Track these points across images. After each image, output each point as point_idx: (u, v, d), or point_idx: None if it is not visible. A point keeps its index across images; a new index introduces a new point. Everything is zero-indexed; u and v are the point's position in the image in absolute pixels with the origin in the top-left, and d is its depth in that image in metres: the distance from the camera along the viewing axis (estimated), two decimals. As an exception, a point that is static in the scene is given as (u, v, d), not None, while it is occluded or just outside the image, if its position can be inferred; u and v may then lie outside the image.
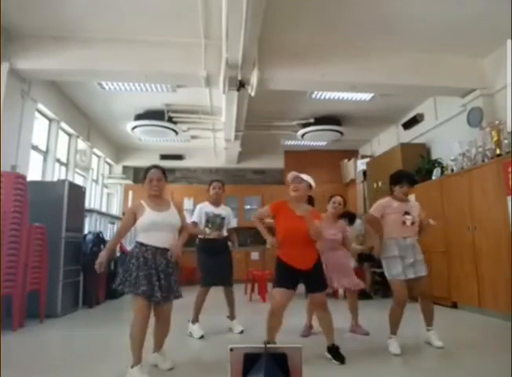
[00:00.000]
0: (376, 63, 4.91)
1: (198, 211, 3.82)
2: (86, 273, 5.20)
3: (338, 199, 3.81)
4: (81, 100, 6.34)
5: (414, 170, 5.95)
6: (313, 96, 6.10)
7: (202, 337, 3.46)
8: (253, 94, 4.87)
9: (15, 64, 4.40)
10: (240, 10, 3.28)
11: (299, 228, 2.73)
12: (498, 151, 4.30)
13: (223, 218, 3.82)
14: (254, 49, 4.19)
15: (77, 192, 5.13)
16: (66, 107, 6.19)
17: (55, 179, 5.84)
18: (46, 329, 3.97)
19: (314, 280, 2.80)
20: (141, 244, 2.57)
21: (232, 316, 3.79)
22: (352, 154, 8.92)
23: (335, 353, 2.76)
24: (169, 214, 2.68)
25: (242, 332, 3.63)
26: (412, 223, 3.09)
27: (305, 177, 2.87)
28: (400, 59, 4.96)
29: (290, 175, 2.90)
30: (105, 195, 8.74)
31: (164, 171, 2.77)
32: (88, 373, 2.63)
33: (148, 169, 2.74)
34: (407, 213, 3.09)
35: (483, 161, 4.50)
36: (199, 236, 3.82)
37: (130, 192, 8.53)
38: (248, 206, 9.17)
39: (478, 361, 2.79)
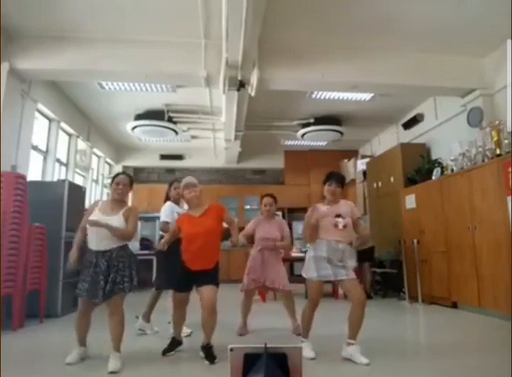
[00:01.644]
0: (376, 63, 4.91)
1: (169, 211, 3.69)
2: (86, 273, 5.20)
3: (269, 200, 3.79)
4: (81, 100, 6.35)
5: (414, 170, 5.97)
6: (313, 96, 6.10)
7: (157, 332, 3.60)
8: (253, 94, 4.87)
9: (15, 64, 4.40)
10: (240, 10, 3.28)
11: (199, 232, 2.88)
12: (498, 151, 4.30)
13: None
14: (254, 49, 4.19)
15: (77, 192, 5.13)
16: (66, 107, 6.19)
17: (55, 179, 5.85)
18: (46, 329, 3.97)
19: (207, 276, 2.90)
20: (88, 248, 2.76)
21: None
22: (352, 154, 8.92)
23: (208, 352, 2.79)
24: (113, 218, 2.73)
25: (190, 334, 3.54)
26: (344, 226, 2.89)
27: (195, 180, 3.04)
28: (400, 59, 4.96)
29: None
30: (105, 195, 8.74)
31: (131, 179, 2.96)
32: (88, 373, 2.64)
33: (116, 175, 2.95)
34: (339, 215, 2.90)
35: (483, 161, 4.50)
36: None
37: (130, 192, 8.52)
38: (248, 206, 9.17)
39: (478, 361, 2.79)
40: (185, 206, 3.85)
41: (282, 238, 3.72)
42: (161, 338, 3.44)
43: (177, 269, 2.97)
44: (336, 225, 2.88)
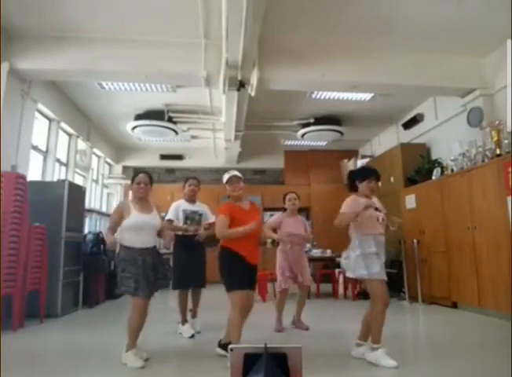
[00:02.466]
0: (376, 63, 4.91)
1: (174, 209, 3.78)
2: (86, 273, 5.21)
3: (293, 195, 3.99)
4: (81, 100, 6.34)
5: (414, 170, 5.97)
6: (313, 96, 6.10)
7: (192, 336, 3.52)
8: (253, 94, 4.87)
9: (15, 64, 4.40)
10: (240, 10, 3.28)
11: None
12: (498, 151, 4.30)
13: (200, 215, 3.83)
14: (254, 49, 4.19)
15: (77, 192, 5.14)
16: (66, 107, 6.19)
17: (55, 179, 5.84)
18: (46, 329, 3.97)
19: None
20: (126, 247, 2.80)
21: (194, 315, 3.84)
22: (352, 154, 8.91)
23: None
24: (151, 216, 2.91)
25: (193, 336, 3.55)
26: (383, 219, 2.91)
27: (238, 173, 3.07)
28: (401, 59, 4.96)
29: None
30: (105, 195, 8.74)
31: (151, 177, 3.05)
32: (88, 373, 2.63)
33: (135, 174, 3.03)
34: (377, 209, 2.91)
35: (483, 161, 4.50)
36: (177, 233, 3.74)
37: (130, 192, 8.52)
38: (248, 206, 9.15)
39: (478, 361, 2.79)
40: (198, 203, 3.91)
41: (305, 232, 3.95)
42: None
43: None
44: (378, 219, 2.87)
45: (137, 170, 9.54)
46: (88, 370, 2.68)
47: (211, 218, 3.78)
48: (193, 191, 3.86)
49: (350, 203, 2.92)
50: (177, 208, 3.78)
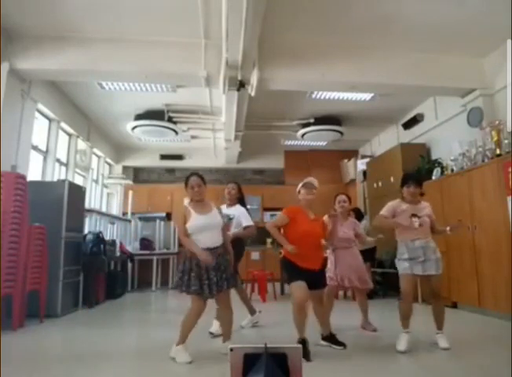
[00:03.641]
0: (376, 63, 4.91)
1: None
2: (86, 273, 5.20)
3: (343, 197, 3.86)
4: (81, 100, 6.35)
5: (414, 170, 5.96)
6: (313, 96, 6.10)
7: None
8: (253, 94, 4.87)
9: (15, 64, 4.39)
10: (240, 10, 3.28)
11: (313, 232, 3.03)
12: (498, 151, 4.30)
13: (231, 219, 3.79)
14: (254, 49, 4.19)
15: (77, 192, 5.13)
16: (66, 107, 6.19)
17: (55, 179, 5.84)
18: (46, 329, 3.97)
19: (319, 278, 3.03)
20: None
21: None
22: (352, 154, 8.92)
23: (334, 340, 3.02)
24: (213, 216, 2.96)
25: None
26: (420, 225, 3.07)
27: (316, 183, 3.16)
28: (400, 59, 4.96)
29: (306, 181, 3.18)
30: (105, 195, 8.74)
31: (203, 178, 3.05)
32: (88, 373, 2.63)
33: (187, 177, 3.04)
34: (414, 215, 3.09)
35: (483, 161, 4.50)
36: None
37: (130, 192, 8.54)
38: (248, 206, 9.10)
39: (478, 361, 2.79)
40: (237, 207, 3.93)
41: (357, 236, 3.78)
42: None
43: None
44: (413, 225, 3.08)
45: (136, 170, 9.61)
46: (88, 370, 2.67)
47: (245, 222, 3.79)
48: (231, 194, 3.91)
49: (388, 207, 3.26)
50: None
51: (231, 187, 3.92)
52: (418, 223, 3.07)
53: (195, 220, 2.87)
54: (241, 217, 3.87)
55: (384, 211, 3.24)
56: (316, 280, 2.97)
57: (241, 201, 3.98)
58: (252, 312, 3.89)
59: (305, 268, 2.92)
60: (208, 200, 3.06)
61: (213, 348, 2.97)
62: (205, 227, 2.86)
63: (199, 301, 2.81)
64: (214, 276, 2.79)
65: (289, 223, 3.04)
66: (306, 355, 2.67)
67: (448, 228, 3.20)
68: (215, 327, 3.53)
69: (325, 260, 3.33)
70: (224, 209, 3.79)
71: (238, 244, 3.65)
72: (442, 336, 3.05)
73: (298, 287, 2.86)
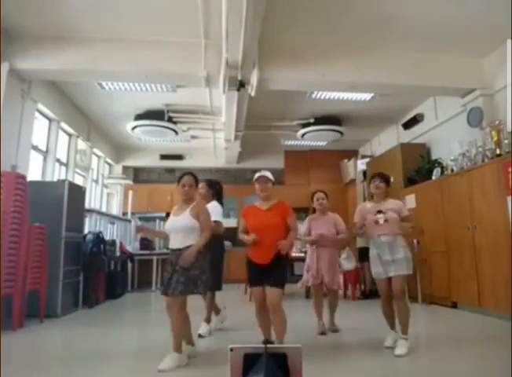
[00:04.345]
0: (376, 63, 4.91)
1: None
2: (86, 273, 5.20)
3: (321, 195, 3.83)
4: (81, 100, 6.35)
5: (414, 170, 5.96)
6: (313, 96, 6.10)
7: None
8: (253, 94, 4.87)
9: (15, 64, 4.39)
10: (240, 10, 3.28)
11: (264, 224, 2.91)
12: (498, 151, 4.30)
13: None
14: (254, 49, 4.19)
15: (77, 192, 5.13)
16: (66, 107, 6.19)
17: (55, 179, 5.84)
18: (46, 329, 3.97)
19: (271, 273, 2.84)
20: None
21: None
22: (352, 154, 8.91)
23: None
24: (180, 218, 2.88)
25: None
26: (386, 220, 3.07)
27: (268, 175, 3.03)
28: (400, 59, 4.96)
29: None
30: (105, 195, 8.74)
31: (196, 178, 3.02)
32: (88, 373, 2.63)
33: (181, 175, 3.00)
34: (379, 211, 3.11)
35: (483, 161, 4.50)
36: None
37: (130, 192, 8.53)
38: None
39: (478, 361, 2.79)
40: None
41: (337, 233, 3.75)
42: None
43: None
44: (377, 222, 3.10)
45: (136, 170, 9.61)
46: (88, 370, 2.67)
47: (217, 217, 3.71)
48: (200, 194, 3.86)
49: (356, 212, 3.30)
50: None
51: (200, 186, 3.82)
52: (383, 219, 3.07)
53: (168, 220, 2.96)
54: (213, 212, 3.86)
55: (355, 218, 3.30)
56: (268, 274, 2.83)
57: (218, 198, 3.92)
58: (208, 320, 3.73)
59: (258, 263, 2.88)
60: (195, 201, 2.99)
61: (212, 348, 2.97)
62: (170, 229, 2.89)
63: (167, 301, 2.79)
64: (177, 277, 2.75)
65: (247, 223, 3.01)
66: None
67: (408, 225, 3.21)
68: (203, 328, 3.57)
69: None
70: None
71: (214, 245, 3.53)
72: (403, 343, 2.93)
73: (256, 292, 2.89)
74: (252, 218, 2.99)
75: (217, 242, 3.62)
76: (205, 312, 3.72)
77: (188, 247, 2.77)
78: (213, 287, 3.61)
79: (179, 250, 2.79)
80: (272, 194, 3.02)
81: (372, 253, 3.15)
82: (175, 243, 2.85)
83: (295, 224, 2.98)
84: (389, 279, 3.06)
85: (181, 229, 2.83)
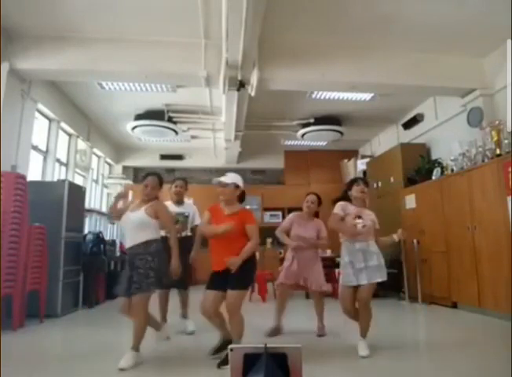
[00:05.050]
0: (376, 63, 4.91)
1: None
2: (86, 273, 5.21)
3: (313, 197, 3.78)
4: (81, 100, 6.34)
5: (414, 170, 5.97)
6: (313, 96, 6.10)
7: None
8: (253, 94, 4.87)
9: (15, 64, 4.39)
10: (240, 10, 3.28)
11: None
12: (498, 151, 4.30)
13: (186, 216, 3.80)
14: (254, 49, 4.19)
15: (77, 192, 5.14)
16: (66, 107, 6.19)
17: (55, 179, 5.84)
18: (46, 329, 3.97)
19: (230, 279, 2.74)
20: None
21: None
22: (352, 154, 8.91)
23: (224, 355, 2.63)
24: (133, 213, 2.84)
25: (193, 333, 3.56)
26: (363, 226, 3.00)
27: (229, 179, 2.94)
28: (400, 59, 4.96)
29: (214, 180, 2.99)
30: (105, 195, 8.74)
31: (161, 179, 2.97)
32: (88, 373, 2.63)
33: (146, 175, 2.96)
34: (359, 217, 3.03)
35: (483, 161, 4.50)
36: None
37: (130, 192, 8.52)
38: (248, 206, 9.09)
39: (478, 361, 2.79)
40: (186, 204, 3.91)
41: (318, 238, 3.69)
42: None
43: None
44: (355, 226, 3.00)
45: (136, 170, 9.60)
46: (88, 370, 2.67)
47: (197, 220, 3.73)
48: (179, 192, 3.85)
49: (340, 206, 3.11)
50: None
51: (179, 184, 3.86)
52: (362, 224, 2.99)
53: (122, 217, 2.89)
54: (196, 214, 3.87)
55: (337, 210, 3.10)
56: (226, 281, 2.72)
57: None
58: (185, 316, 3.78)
59: (215, 270, 2.79)
60: (155, 201, 2.93)
61: (209, 348, 2.97)
62: (124, 226, 2.85)
63: (120, 301, 2.78)
64: (127, 276, 2.71)
65: (210, 220, 2.89)
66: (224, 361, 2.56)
67: (394, 236, 3.20)
68: (190, 325, 3.62)
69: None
70: (173, 207, 3.74)
71: (187, 244, 3.54)
72: (365, 343, 2.94)
73: (206, 295, 2.76)
74: (215, 220, 2.85)
75: (187, 242, 3.60)
76: (181, 309, 3.78)
77: (140, 243, 2.75)
78: (184, 286, 3.69)
79: (130, 248, 2.79)
80: (232, 198, 2.91)
81: (344, 260, 3.03)
82: (129, 240, 2.82)
83: (255, 233, 2.82)
84: (356, 287, 2.98)
85: (134, 226, 2.80)
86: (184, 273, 3.61)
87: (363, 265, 2.97)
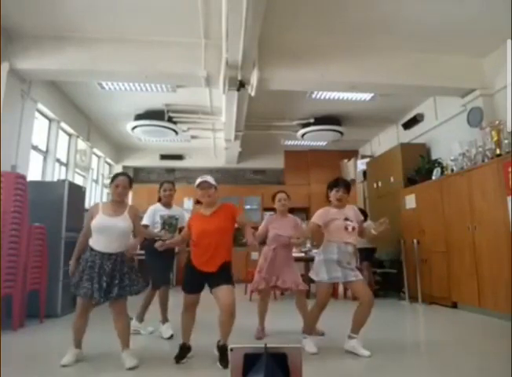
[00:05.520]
0: (376, 63, 4.91)
1: (150, 214, 3.76)
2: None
3: (283, 195, 3.79)
4: (81, 100, 6.35)
5: (414, 170, 5.97)
6: (313, 96, 6.10)
7: (171, 337, 3.46)
8: (253, 94, 4.87)
9: (15, 64, 4.39)
10: (240, 10, 3.28)
11: (208, 230, 2.81)
12: (498, 151, 4.30)
13: (177, 219, 3.82)
14: (254, 49, 4.19)
15: (77, 192, 5.13)
16: (66, 107, 6.19)
17: (55, 179, 5.84)
18: (46, 329, 3.97)
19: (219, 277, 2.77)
20: (91, 248, 2.81)
21: (164, 320, 3.71)
22: (352, 154, 8.92)
23: (224, 353, 2.64)
24: (119, 219, 2.80)
25: (171, 337, 3.49)
26: (353, 228, 3.04)
27: (210, 180, 2.97)
28: (400, 59, 4.96)
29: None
30: (105, 195, 8.74)
31: (131, 180, 2.97)
32: (88, 373, 2.64)
33: (115, 176, 2.94)
34: (347, 219, 3.05)
35: (483, 161, 4.50)
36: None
37: (130, 192, 8.53)
38: (248, 206, 9.17)
39: (478, 361, 2.79)
40: (174, 207, 3.93)
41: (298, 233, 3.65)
42: (156, 338, 3.46)
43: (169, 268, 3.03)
44: (346, 228, 3.01)
45: (136, 170, 9.61)
46: (88, 370, 2.68)
47: (184, 222, 3.71)
48: (170, 196, 3.87)
49: (320, 214, 3.13)
50: (154, 213, 3.77)
51: (168, 187, 3.87)
52: (352, 226, 3.03)
53: (98, 220, 2.76)
54: (184, 217, 3.89)
55: (316, 219, 3.12)
56: (215, 280, 2.75)
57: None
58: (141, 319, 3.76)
59: (203, 271, 2.77)
60: (127, 204, 2.96)
61: (210, 348, 2.97)
62: (106, 229, 2.74)
63: (84, 304, 2.82)
64: (105, 281, 2.70)
65: (190, 231, 2.92)
66: (180, 357, 2.73)
67: (372, 231, 3.12)
68: (167, 330, 3.57)
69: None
70: (163, 209, 3.79)
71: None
72: (358, 342, 2.94)
73: (189, 298, 2.81)
74: (195, 226, 2.87)
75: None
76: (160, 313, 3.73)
77: (121, 252, 2.78)
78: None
79: (113, 254, 2.75)
80: (215, 199, 2.94)
81: (331, 257, 3.00)
82: (109, 246, 2.75)
83: (244, 220, 3.01)
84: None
85: (119, 232, 2.78)
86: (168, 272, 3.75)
87: (349, 266, 3.01)
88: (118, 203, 2.88)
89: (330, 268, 3.00)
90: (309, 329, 3.14)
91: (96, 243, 2.78)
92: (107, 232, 2.75)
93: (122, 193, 2.88)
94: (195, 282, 2.82)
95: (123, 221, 2.80)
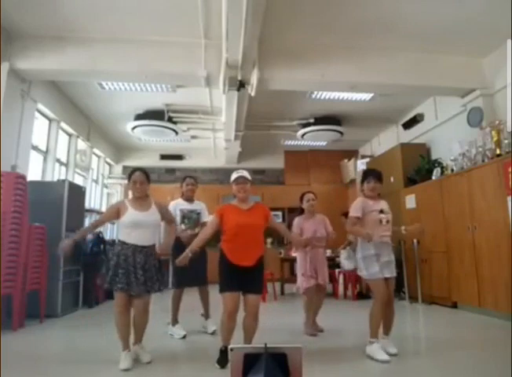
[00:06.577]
0: (376, 63, 4.91)
1: (172, 208, 3.72)
2: (86, 273, 5.20)
3: (311, 196, 3.87)
4: (81, 100, 6.35)
5: (414, 170, 5.96)
6: (313, 96, 6.10)
7: (184, 337, 3.49)
8: (253, 94, 4.87)
9: (15, 64, 4.40)
10: (240, 10, 3.28)
11: (248, 223, 2.77)
12: (498, 152, 4.30)
13: (198, 214, 3.84)
14: (254, 49, 4.19)
15: (77, 192, 5.13)
16: (66, 107, 6.19)
17: (55, 179, 5.84)
18: (46, 329, 3.97)
19: (254, 278, 2.74)
20: (123, 243, 2.80)
21: (206, 315, 3.76)
22: (352, 154, 8.92)
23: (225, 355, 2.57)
24: (149, 213, 2.86)
25: (214, 332, 3.54)
26: (387, 221, 3.01)
27: (247, 175, 2.89)
28: (400, 59, 4.96)
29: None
30: (105, 195, 8.74)
31: (147, 174, 2.97)
32: (88, 373, 2.63)
33: (131, 172, 2.95)
34: (381, 211, 3.02)
35: (483, 161, 4.50)
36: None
37: (130, 192, 8.52)
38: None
39: (478, 361, 2.79)
40: (196, 202, 3.92)
41: (327, 234, 3.79)
42: (160, 337, 3.45)
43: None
44: (381, 221, 2.98)
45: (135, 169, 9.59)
46: (88, 370, 2.67)
47: (206, 218, 3.77)
48: (192, 190, 3.88)
49: (358, 207, 3.06)
50: (175, 207, 3.78)
51: (190, 182, 3.88)
52: (386, 219, 2.99)
53: (130, 215, 2.79)
54: (205, 212, 3.91)
55: (354, 212, 3.04)
56: (250, 279, 2.70)
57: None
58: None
59: (240, 265, 2.70)
60: (150, 198, 2.98)
61: (211, 347, 2.97)
62: (139, 223, 2.78)
63: (124, 299, 2.74)
64: (142, 275, 2.72)
65: (222, 221, 2.81)
66: (223, 362, 2.59)
67: (402, 228, 3.14)
68: (211, 325, 3.61)
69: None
70: (185, 204, 3.82)
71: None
72: (389, 342, 2.94)
73: (231, 297, 2.65)
74: (234, 217, 2.78)
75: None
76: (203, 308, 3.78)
77: (152, 245, 2.85)
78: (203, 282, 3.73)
79: (146, 247, 2.80)
80: (249, 194, 2.89)
81: (369, 252, 2.94)
82: (142, 239, 2.80)
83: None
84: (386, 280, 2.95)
85: (151, 225, 2.85)
86: (202, 270, 3.68)
87: (387, 259, 2.97)
88: (141, 199, 2.91)
89: (370, 263, 2.94)
90: (375, 332, 2.90)
91: (129, 236, 2.79)
92: (140, 225, 2.79)
93: (141, 188, 2.89)
94: (234, 278, 2.69)
95: (153, 215, 2.87)
